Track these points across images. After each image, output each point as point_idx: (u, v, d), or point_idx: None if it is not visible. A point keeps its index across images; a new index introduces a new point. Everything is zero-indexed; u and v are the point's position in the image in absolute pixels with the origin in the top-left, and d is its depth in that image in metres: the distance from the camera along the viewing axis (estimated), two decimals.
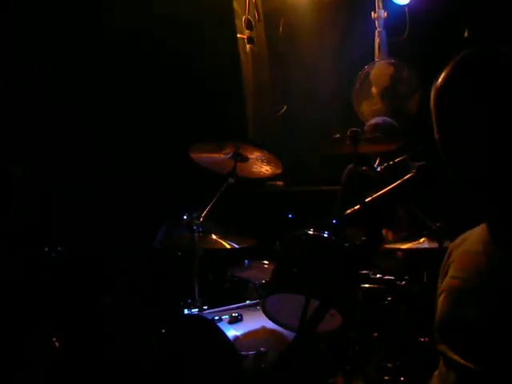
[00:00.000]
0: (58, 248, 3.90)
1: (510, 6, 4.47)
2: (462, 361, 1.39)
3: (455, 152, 1.37)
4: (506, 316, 1.31)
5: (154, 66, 5.10)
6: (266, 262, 4.06)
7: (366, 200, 1.30)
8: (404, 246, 3.66)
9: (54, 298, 4.22)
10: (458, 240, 1.59)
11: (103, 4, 4.89)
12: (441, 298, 1.52)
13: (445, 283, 1.53)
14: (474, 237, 1.51)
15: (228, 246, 3.88)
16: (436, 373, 1.51)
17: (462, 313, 1.42)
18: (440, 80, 1.38)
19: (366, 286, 3.43)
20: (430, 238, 3.49)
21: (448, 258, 1.59)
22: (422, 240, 3.66)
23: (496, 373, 1.33)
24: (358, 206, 1.30)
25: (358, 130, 3.78)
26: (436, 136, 1.39)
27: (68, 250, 4.35)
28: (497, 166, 1.32)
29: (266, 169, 4.02)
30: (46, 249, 3.81)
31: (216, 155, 3.93)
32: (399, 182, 1.37)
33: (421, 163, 1.42)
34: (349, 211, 1.30)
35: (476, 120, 1.32)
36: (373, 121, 4.33)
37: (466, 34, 4.88)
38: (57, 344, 4.04)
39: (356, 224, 1.33)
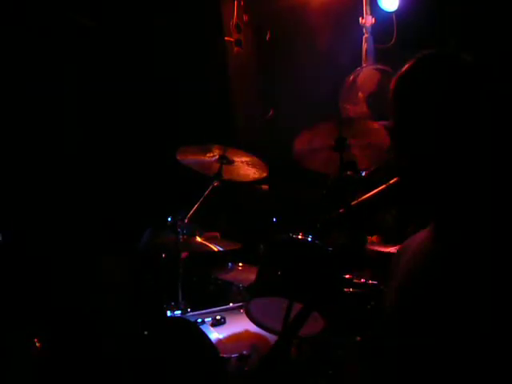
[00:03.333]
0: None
1: (495, 14, 4.50)
2: (401, 354, 1.40)
3: (405, 144, 1.43)
4: (447, 311, 1.33)
5: (140, 68, 5.08)
6: (250, 264, 4.06)
7: (351, 203, 1.31)
8: (391, 250, 3.67)
9: (36, 300, 4.20)
10: (406, 242, 1.63)
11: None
12: (388, 297, 1.53)
13: (393, 283, 1.55)
14: (420, 236, 1.55)
15: (212, 249, 3.88)
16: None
17: (409, 311, 1.44)
18: (400, 72, 1.49)
19: (350, 290, 3.43)
20: None
21: (397, 258, 1.61)
22: None
23: (439, 367, 1.34)
24: (342, 210, 1.31)
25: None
26: (391, 124, 1.45)
27: (49, 250, 4.33)
28: (442, 161, 1.36)
29: (251, 172, 4.02)
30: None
31: (202, 158, 3.93)
32: (384, 186, 1.38)
33: (405, 168, 1.44)
34: (333, 214, 1.31)
35: (424, 115, 1.39)
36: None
37: (451, 42, 4.91)
38: (38, 345, 4.01)
39: (340, 227, 1.33)
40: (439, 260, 1.40)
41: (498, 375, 1.25)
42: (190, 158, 3.93)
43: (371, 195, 1.36)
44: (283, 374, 3.23)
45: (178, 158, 3.89)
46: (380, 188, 1.38)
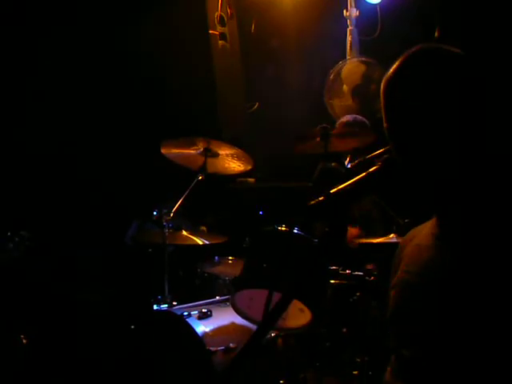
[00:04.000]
0: (27, 242, 3.83)
1: (478, 4, 4.52)
2: (411, 354, 1.41)
3: (401, 142, 1.41)
4: (451, 309, 1.33)
5: (123, 62, 5.06)
6: (235, 258, 4.06)
7: (331, 191, 1.31)
8: (375, 241, 3.68)
9: (22, 295, 4.18)
10: (410, 235, 1.62)
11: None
12: (392, 293, 1.53)
13: (396, 278, 1.55)
14: (425, 231, 1.53)
15: (198, 242, 3.87)
16: (388, 368, 1.52)
17: (412, 306, 1.44)
18: (390, 72, 1.44)
19: (335, 281, 3.44)
20: (399, 234, 3.52)
21: (400, 253, 1.60)
22: (391, 236, 3.69)
23: (441, 364, 1.35)
24: (322, 197, 1.30)
25: (328, 126, 3.79)
26: (384, 125, 1.43)
27: (36, 246, 4.30)
28: (439, 159, 1.35)
29: (236, 165, 4.02)
30: (11, 245, 3.74)
31: (186, 151, 3.92)
32: (364, 173, 1.38)
33: (386, 156, 1.43)
34: (312, 202, 1.31)
35: (421, 113, 1.37)
36: (344, 119, 4.35)
37: (436, 34, 4.92)
38: (24, 341, 3.99)
39: (320, 215, 1.33)
40: (447, 257, 1.39)
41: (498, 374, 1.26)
42: (174, 151, 3.91)
43: (351, 183, 1.35)
44: (271, 366, 3.25)
45: (163, 151, 3.87)
46: (360, 176, 1.38)
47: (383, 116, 1.44)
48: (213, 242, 3.93)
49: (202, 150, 3.86)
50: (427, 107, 1.36)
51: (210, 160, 3.89)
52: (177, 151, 3.92)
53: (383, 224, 3.88)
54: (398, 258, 1.60)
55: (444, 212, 1.44)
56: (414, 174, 1.40)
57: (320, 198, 1.31)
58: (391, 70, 1.43)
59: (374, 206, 4.02)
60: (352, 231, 4.00)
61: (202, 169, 3.86)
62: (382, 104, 1.44)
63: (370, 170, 1.39)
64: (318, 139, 3.76)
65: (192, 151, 3.89)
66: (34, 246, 3.71)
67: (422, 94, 1.37)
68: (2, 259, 3.68)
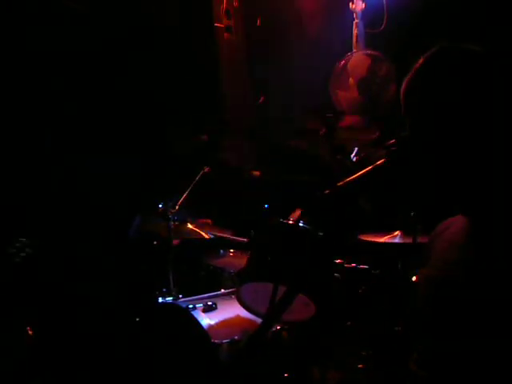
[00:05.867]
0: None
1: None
2: (435, 347, 1.41)
3: (428, 141, 1.39)
4: (479, 309, 1.33)
5: (127, 52, 5.04)
6: (241, 250, 4.05)
7: (337, 184, 1.31)
8: (379, 240, 3.68)
9: (27, 287, 4.19)
10: (441, 227, 1.60)
11: None
12: (418, 286, 1.52)
13: (425, 272, 1.54)
14: (456, 226, 1.52)
15: (204, 236, 3.88)
16: (413, 357, 1.53)
17: (439, 303, 1.44)
18: (411, 73, 1.44)
19: (340, 275, 3.44)
20: (405, 232, 3.52)
21: (430, 244, 1.59)
22: (396, 233, 3.69)
23: (465, 360, 1.35)
24: (328, 190, 1.30)
25: (331, 115, 3.77)
26: (408, 125, 1.42)
27: (41, 239, 4.31)
28: (461, 158, 1.34)
29: (243, 158, 4.02)
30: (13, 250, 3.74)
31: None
32: (370, 167, 1.37)
33: (393, 149, 1.43)
34: (319, 195, 1.30)
35: (447, 111, 1.36)
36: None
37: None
38: (30, 333, 4.00)
39: (326, 208, 1.33)
40: (480, 258, 1.38)
41: None
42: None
43: (357, 176, 1.35)
44: (275, 360, 3.25)
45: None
46: (367, 169, 1.37)
47: (407, 118, 1.43)
48: (218, 236, 3.94)
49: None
50: (452, 106, 1.35)
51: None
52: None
53: (377, 219, 3.87)
54: (427, 251, 1.59)
55: (476, 211, 1.43)
56: (444, 174, 1.39)
57: (327, 191, 1.30)
58: (413, 71, 1.43)
59: (367, 202, 3.99)
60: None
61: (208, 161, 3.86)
62: (403, 105, 1.44)
63: (377, 163, 1.38)
64: (324, 130, 3.74)
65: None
66: (34, 254, 3.68)
67: (446, 94, 1.36)
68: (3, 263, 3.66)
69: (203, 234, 3.89)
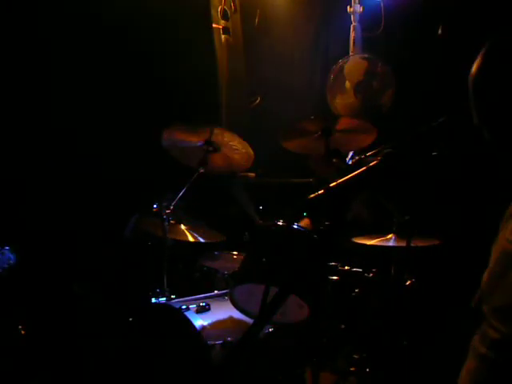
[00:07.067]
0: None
1: (483, 2, 4.50)
2: (500, 325, 1.39)
3: (499, 138, 1.40)
4: None
5: (126, 52, 5.04)
6: (235, 252, 4.06)
7: (330, 185, 1.30)
8: (371, 242, 3.68)
9: (21, 286, 4.18)
10: None
11: None
12: (493, 258, 1.50)
13: (501, 243, 1.51)
14: None
15: (198, 240, 3.88)
16: (478, 332, 1.50)
17: (508, 280, 1.42)
18: (475, 69, 1.43)
19: (334, 277, 3.44)
20: (399, 235, 3.52)
21: (508, 216, 1.54)
22: (389, 236, 3.68)
23: None
24: (322, 191, 1.30)
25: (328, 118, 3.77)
26: (476, 122, 1.41)
27: (36, 239, 4.30)
28: None
29: (237, 159, 4.01)
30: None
31: (190, 138, 3.90)
32: (364, 168, 1.37)
33: (387, 151, 1.43)
34: (312, 195, 1.30)
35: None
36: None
37: (439, 32, 4.90)
38: (23, 332, 3.99)
39: (319, 209, 1.32)
40: None
41: None
42: (177, 137, 3.91)
43: (351, 177, 1.35)
44: (268, 361, 3.25)
45: (164, 139, 3.88)
46: (360, 170, 1.37)
47: (474, 114, 1.44)
48: (211, 240, 3.95)
49: (203, 143, 3.86)
50: None
51: (210, 154, 3.89)
52: (180, 137, 3.92)
53: (374, 225, 3.87)
54: (505, 220, 1.55)
55: None
56: None
57: (319, 192, 1.30)
58: (475, 67, 1.43)
59: (364, 208, 4.00)
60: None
61: (203, 162, 3.86)
62: (471, 102, 1.43)
63: (371, 164, 1.38)
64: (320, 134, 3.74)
65: (195, 139, 3.88)
66: (17, 268, 3.63)
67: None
68: None
69: (197, 238, 3.90)
